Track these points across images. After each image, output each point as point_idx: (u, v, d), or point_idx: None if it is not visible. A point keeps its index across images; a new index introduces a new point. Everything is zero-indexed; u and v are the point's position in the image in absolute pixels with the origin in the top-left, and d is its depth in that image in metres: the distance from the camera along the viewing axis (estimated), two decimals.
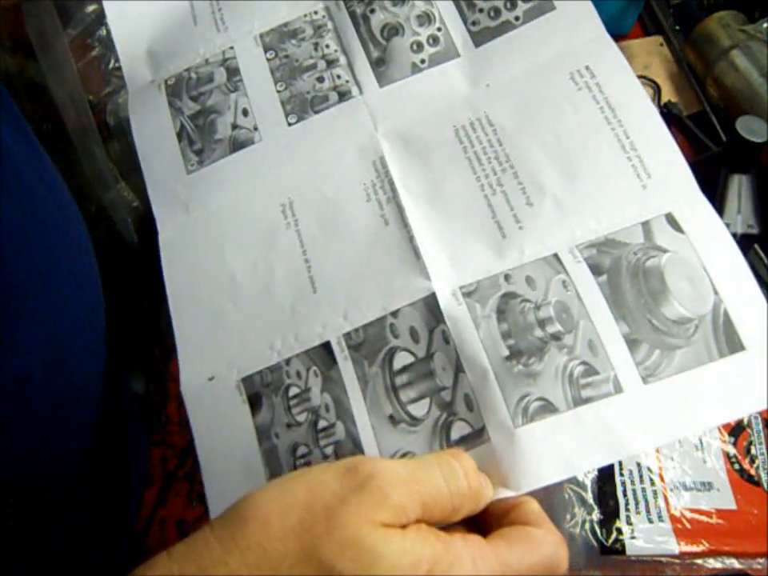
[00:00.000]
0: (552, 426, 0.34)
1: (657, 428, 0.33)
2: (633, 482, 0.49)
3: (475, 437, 0.35)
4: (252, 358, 0.39)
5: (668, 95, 0.72)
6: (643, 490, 0.48)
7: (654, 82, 0.72)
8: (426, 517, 0.30)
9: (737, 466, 0.49)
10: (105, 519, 0.53)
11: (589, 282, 0.36)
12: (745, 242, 0.58)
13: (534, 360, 0.35)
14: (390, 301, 0.38)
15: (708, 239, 0.36)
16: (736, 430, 0.51)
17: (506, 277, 0.37)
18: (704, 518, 0.47)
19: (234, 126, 0.45)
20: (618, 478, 0.49)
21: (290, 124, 0.44)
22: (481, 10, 0.44)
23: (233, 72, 0.46)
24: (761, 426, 0.51)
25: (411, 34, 0.45)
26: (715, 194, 0.61)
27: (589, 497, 0.48)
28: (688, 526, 0.47)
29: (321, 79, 0.45)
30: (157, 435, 0.58)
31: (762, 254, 0.56)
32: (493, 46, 0.43)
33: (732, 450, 0.50)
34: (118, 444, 0.54)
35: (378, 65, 0.44)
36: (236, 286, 0.41)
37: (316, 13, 0.47)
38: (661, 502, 0.48)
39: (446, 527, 0.31)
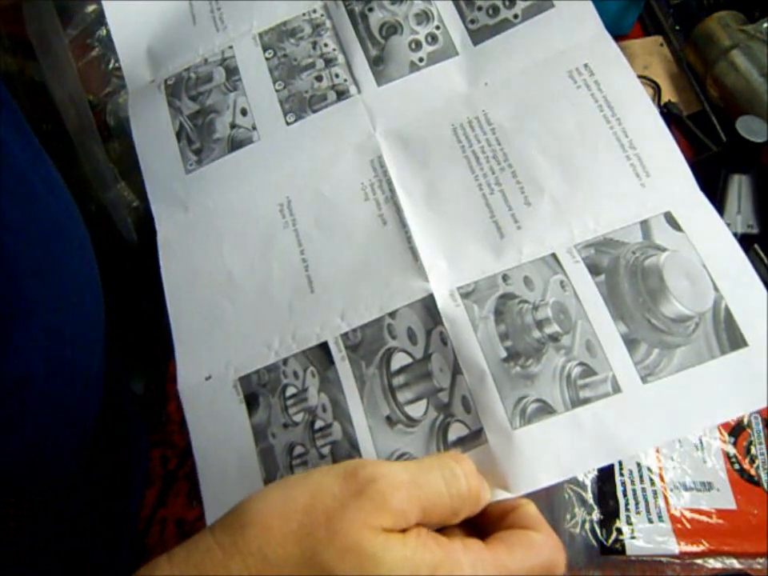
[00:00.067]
0: (550, 427, 0.34)
1: (656, 428, 0.33)
2: (633, 482, 0.49)
3: (472, 438, 0.35)
4: (249, 357, 0.39)
5: (668, 95, 0.72)
6: (643, 489, 0.48)
7: (654, 82, 0.72)
8: (425, 520, 0.30)
9: (737, 466, 0.49)
10: (105, 519, 0.53)
11: (587, 282, 0.36)
12: (745, 242, 0.58)
13: (532, 361, 0.35)
14: (387, 301, 0.38)
15: (707, 237, 0.36)
16: (736, 430, 0.51)
17: (504, 277, 0.37)
18: (704, 518, 0.47)
19: (233, 126, 0.45)
20: (617, 478, 0.49)
21: (288, 123, 0.44)
22: (479, 8, 0.44)
23: (232, 71, 0.46)
24: (761, 426, 0.51)
25: (410, 32, 0.44)
26: (715, 194, 0.61)
27: (589, 497, 0.48)
28: (688, 525, 0.47)
29: (319, 78, 0.45)
30: (157, 435, 0.58)
31: (762, 254, 0.56)
32: (491, 44, 0.43)
33: (732, 450, 0.50)
34: (118, 444, 0.55)
35: (377, 63, 0.44)
36: (233, 285, 0.41)
37: (314, 11, 0.47)
38: (661, 502, 0.48)
39: (445, 529, 0.32)
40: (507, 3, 0.44)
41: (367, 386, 0.37)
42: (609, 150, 0.39)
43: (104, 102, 0.62)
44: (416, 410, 0.36)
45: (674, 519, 0.47)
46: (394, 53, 0.44)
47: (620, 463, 0.49)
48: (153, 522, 0.54)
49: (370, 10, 0.45)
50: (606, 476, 0.49)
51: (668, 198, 0.37)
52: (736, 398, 0.33)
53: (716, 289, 0.35)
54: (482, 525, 0.33)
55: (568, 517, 0.48)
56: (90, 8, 0.61)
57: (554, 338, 0.35)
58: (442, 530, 0.31)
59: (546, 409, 0.34)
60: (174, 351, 0.41)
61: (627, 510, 0.47)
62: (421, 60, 0.44)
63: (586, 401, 0.34)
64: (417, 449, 0.35)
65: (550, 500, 0.48)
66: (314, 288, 0.40)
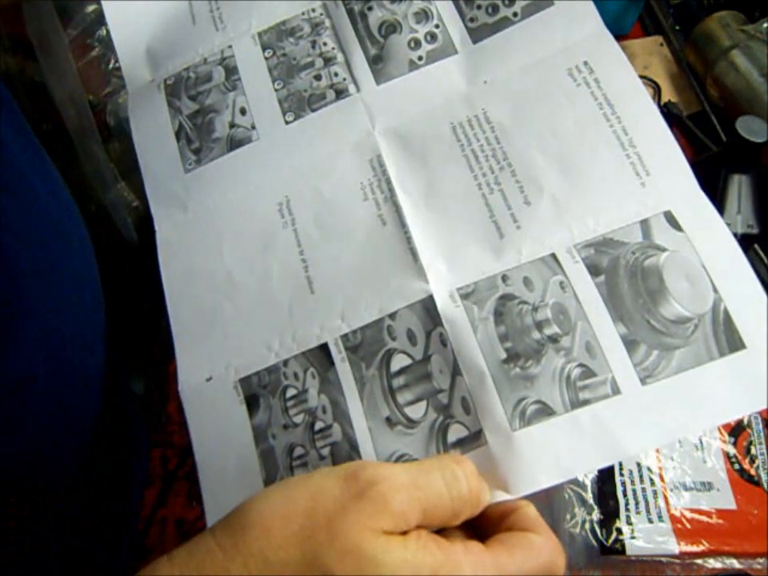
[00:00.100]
0: (549, 428, 0.34)
1: (655, 429, 0.33)
2: (633, 482, 0.49)
3: (472, 440, 0.35)
4: (250, 358, 0.39)
5: (668, 95, 0.72)
6: (643, 489, 0.48)
7: (654, 82, 0.72)
8: (426, 522, 0.30)
9: (737, 466, 0.49)
10: (105, 519, 0.53)
11: (586, 282, 0.36)
12: (745, 242, 0.58)
13: (532, 363, 0.35)
14: (387, 302, 0.38)
15: (707, 237, 0.36)
16: (736, 430, 0.51)
17: (504, 278, 0.37)
18: (704, 518, 0.47)
19: (232, 125, 0.45)
20: (618, 478, 0.49)
21: (287, 122, 0.44)
22: (479, 7, 0.44)
23: (231, 71, 0.46)
24: (761, 426, 0.51)
25: (409, 31, 0.44)
26: (715, 194, 0.61)
27: (589, 497, 0.48)
28: (688, 526, 0.47)
29: (318, 77, 0.45)
30: (157, 435, 0.58)
31: (762, 254, 0.56)
32: (491, 42, 0.43)
33: (732, 450, 0.50)
34: (118, 444, 0.54)
35: (376, 62, 0.44)
36: (233, 286, 0.41)
37: (314, 11, 0.47)
38: (661, 502, 0.48)
39: (445, 531, 0.32)
40: (506, 1, 0.44)
41: (367, 387, 0.37)
42: (609, 148, 0.39)
43: (104, 102, 0.62)
44: (416, 411, 0.36)
45: (674, 519, 0.47)
46: (393, 51, 0.44)
47: (620, 463, 0.49)
48: (153, 522, 0.54)
49: (370, 8, 0.45)
50: (606, 476, 0.49)
51: (668, 197, 0.37)
52: (735, 400, 0.33)
53: (715, 290, 0.35)
54: (482, 526, 0.33)
55: (568, 517, 0.48)
56: (90, 8, 0.61)
57: (554, 339, 0.35)
58: (442, 531, 0.31)
59: (545, 410, 0.34)
60: (174, 351, 0.41)
61: (627, 510, 0.47)
62: (420, 59, 0.44)
63: (586, 402, 0.34)
64: (416, 450, 0.35)
65: (549, 500, 0.48)
66: (313, 289, 0.40)
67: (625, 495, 0.48)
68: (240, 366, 0.39)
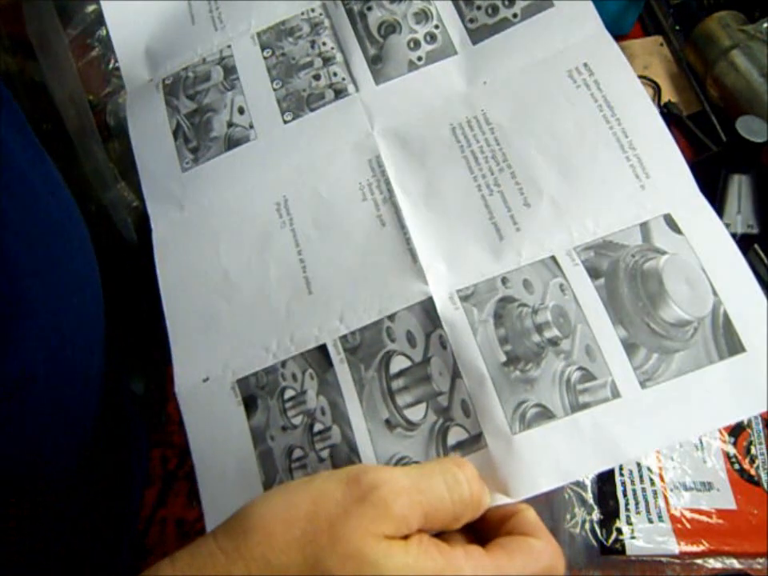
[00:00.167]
0: (549, 432, 0.34)
1: (655, 432, 0.33)
2: (633, 482, 0.49)
3: (472, 443, 0.35)
4: (247, 359, 0.39)
5: (668, 95, 0.72)
6: (643, 489, 0.48)
7: (654, 82, 0.72)
8: (427, 526, 0.30)
9: (737, 466, 0.49)
10: (105, 519, 0.53)
11: (586, 285, 0.36)
12: (745, 242, 0.58)
13: (532, 366, 0.35)
14: (386, 304, 0.38)
15: (707, 240, 0.36)
16: (736, 430, 0.51)
17: (504, 280, 0.37)
18: (704, 518, 0.47)
19: (230, 124, 0.45)
20: (618, 478, 0.49)
21: (285, 122, 0.44)
22: (479, 8, 0.44)
23: (230, 70, 0.46)
24: (761, 426, 0.51)
25: (408, 31, 0.44)
26: (715, 194, 0.60)
27: (589, 497, 0.48)
28: (688, 526, 0.47)
29: (317, 77, 0.45)
30: (157, 435, 0.58)
31: (762, 254, 0.56)
32: (490, 43, 0.43)
33: (732, 450, 0.50)
34: (118, 444, 0.54)
35: (375, 62, 0.44)
36: (230, 286, 0.41)
37: (313, 11, 0.47)
38: (661, 502, 0.48)
39: (446, 535, 0.32)
40: (506, 2, 0.43)
41: (366, 389, 0.37)
42: (608, 150, 0.38)
43: (104, 102, 0.62)
44: (415, 413, 0.36)
45: (674, 519, 0.47)
46: (392, 52, 0.44)
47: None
48: (153, 522, 0.54)
49: (369, 8, 0.45)
50: (606, 476, 0.49)
51: (668, 199, 0.37)
52: (734, 403, 0.33)
53: (715, 293, 0.35)
54: (482, 530, 0.33)
55: (568, 517, 0.48)
56: (90, 8, 0.61)
57: (554, 342, 0.35)
58: (442, 534, 0.31)
59: (545, 413, 0.34)
60: (171, 352, 0.41)
61: (627, 510, 0.47)
62: (419, 59, 0.44)
63: (586, 405, 0.34)
64: (416, 452, 0.35)
65: (550, 500, 0.48)
66: (311, 289, 0.40)
67: (625, 495, 0.48)
68: (237, 366, 0.39)
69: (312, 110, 0.44)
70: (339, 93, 0.44)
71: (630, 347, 0.34)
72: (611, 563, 0.47)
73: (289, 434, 0.37)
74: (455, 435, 0.35)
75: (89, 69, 0.61)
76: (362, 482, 0.30)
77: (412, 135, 0.42)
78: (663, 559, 0.46)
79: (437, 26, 0.44)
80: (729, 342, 0.34)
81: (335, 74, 0.45)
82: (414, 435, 0.35)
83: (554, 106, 0.40)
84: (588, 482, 0.49)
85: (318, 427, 0.37)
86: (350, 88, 0.44)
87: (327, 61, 0.45)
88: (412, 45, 0.44)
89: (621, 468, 0.49)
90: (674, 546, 0.46)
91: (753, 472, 0.49)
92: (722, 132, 0.67)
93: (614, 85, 0.40)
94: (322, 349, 0.38)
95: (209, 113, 0.45)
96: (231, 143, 0.44)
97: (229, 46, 0.47)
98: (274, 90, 0.45)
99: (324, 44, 0.45)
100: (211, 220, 0.43)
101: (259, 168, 0.44)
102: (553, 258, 0.37)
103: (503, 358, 0.35)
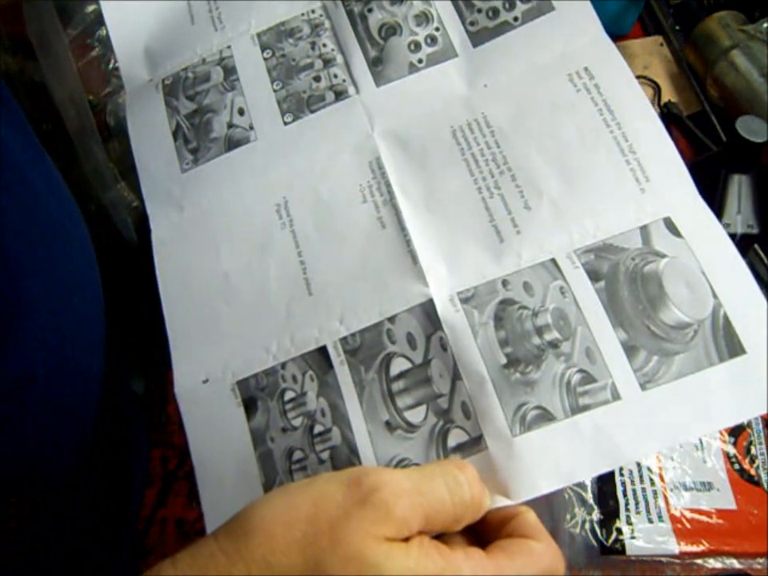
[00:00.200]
0: (550, 434, 0.34)
1: (655, 434, 0.33)
2: (633, 482, 0.49)
3: (472, 445, 0.35)
4: (247, 360, 0.39)
5: (668, 95, 0.72)
6: (643, 489, 0.48)
7: (654, 82, 0.72)
8: (428, 528, 0.30)
9: (737, 466, 0.49)
10: (105, 519, 0.53)
11: (586, 288, 0.36)
12: (745, 242, 0.58)
13: (532, 368, 0.35)
14: (386, 306, 0.38)
15: (707, 243, 0.36)
16: (736, 430, 0.51)
17: (504, 282, 0.37)
18: (704, 518, 0.47)
19: (230, 125, 0.45)
20: (618, 478, 0.49)
21: (285, 123, 0.44)
22: (479, 11, 0.44)
23: (230, 71, 0.46)
24: (761, 426, 0.51)
25: (409, 33, 0.44)
26: (715, 195, 0.60)
27: (589, 497, 0.48)
28: (688, 526, 0.47)
29: (317, 78, 0.45)
30: (157, 435, 0.58)
31: (762, 254, 0.56)
32: (491, 46, 0.43)
33: (732, 450, 0.50)
34: (118, 444, 0.54)
35: (375, 64, 0.44)
36: (230, 287, 0.41)
37: (313, 12, 0.47)
38: (661, 502, 0.48)
39: (446, 536, 0.32)
40: (507, 5, 0.43)
41: (366, 390, 0.37)
42: (608, 153, 0.39)
43: (104, 102, 0.62)
44: (415, 415, 0.36)
45: (674, 519, 0.47)
46: (392, 54, 0.44)
47: None
48: (153, 522, 0.54)
49: (370, 10, 0.45)
50: (606, 476, 0.49)
51: (668, 203, 0.37)
52: (734, 405, 0.33)
53: (715, 296, 0.35)
54: (482, 532, 0.33)
55: (568, 517, 0.48)
56: (90, 8, 0.61)
57: (554, 344, 0.35)
58: (442, 536, 0.31)
59: (545, 416, 0.34)
60: (170, 352, 0.40)
61: (627, 510, 0.47)
62: (420, 61, 0.44)
63: (586, 408, 0.34)
64: (416, 454, 0.35)
65: (550, 500, 0.48)
66: (312, 291, 0.40)
67: (625, 495, 0.48)
68: (237, 368, 0.39)
69: (312, 112, 0.44)
70: (339, 94, 0.44)
71: (630, 349, 0.34)
72: (611, 563, 0.47)
73: (289, 436, 0.37)
74: (455, 437, 0.35)
75: (89, 69, 0.61)
76: (363, 483, 0.30)
77: (412, 137, 0.42)
78: (663, 559, 0.46)
79: (437, 29, 0.44)
80: (729, 344, 0.34)
81: (336, 76, 0.45)
82: (415, 437, 0.35)
83: (555, 109, 0.41)
84: (588, 482, 0.49)
85: (318, 429, 0.37)
86: (351, 90, 0.44)
87: (328, 62, 0.45)
88: (412, 47, 0.44)
89: (621, 468, 0.49)
90: (673, 546, 0.46)
91: (753, 472, 0.49)
92: (721, 132, 0.67)
93: (614, 89, 0.40)
94: (323, 350, 0.38)
95: (209, 113, 0.45)
96: (231, 144, 0.44)
97: (228, 47, 0.47)
98: (275, 91, 0.45)
99: (324, 45, 0.45)
100: (211, 221, 0.43)
101: (259, 169, 0.44)
102: (553, 260, 0.37)
103: (503, 361, 0.35)
